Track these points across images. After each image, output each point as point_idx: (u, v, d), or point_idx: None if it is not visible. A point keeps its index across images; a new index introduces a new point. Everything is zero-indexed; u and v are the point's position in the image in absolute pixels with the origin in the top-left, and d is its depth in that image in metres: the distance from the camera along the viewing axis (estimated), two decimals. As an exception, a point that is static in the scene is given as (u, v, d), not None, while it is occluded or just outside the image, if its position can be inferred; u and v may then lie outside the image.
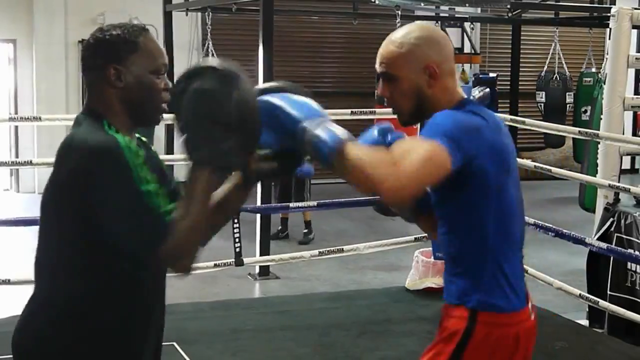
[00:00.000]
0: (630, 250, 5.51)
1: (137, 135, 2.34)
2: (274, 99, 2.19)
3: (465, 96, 2.50)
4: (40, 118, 6.17)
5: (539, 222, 5.96)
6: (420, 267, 6.77)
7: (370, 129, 2.51)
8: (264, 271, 7.47)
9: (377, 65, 2.50)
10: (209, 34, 10.01)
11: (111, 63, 2.22)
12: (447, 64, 2.45)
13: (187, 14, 10.89)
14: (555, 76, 11.52)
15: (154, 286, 2.33)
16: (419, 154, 2.20)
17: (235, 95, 2.11)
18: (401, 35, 2.46)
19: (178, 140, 2.15)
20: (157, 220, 2.09)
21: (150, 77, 2.25)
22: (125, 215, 2.09)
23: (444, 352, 2.44)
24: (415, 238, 6.94)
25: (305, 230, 9.11)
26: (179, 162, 5.74)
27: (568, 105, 11.56)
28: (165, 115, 2.33)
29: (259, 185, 7.19)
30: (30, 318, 2.27)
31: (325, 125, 2.12)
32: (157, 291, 2.36)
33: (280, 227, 9.16)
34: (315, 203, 6.96)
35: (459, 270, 2.45)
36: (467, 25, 11.87)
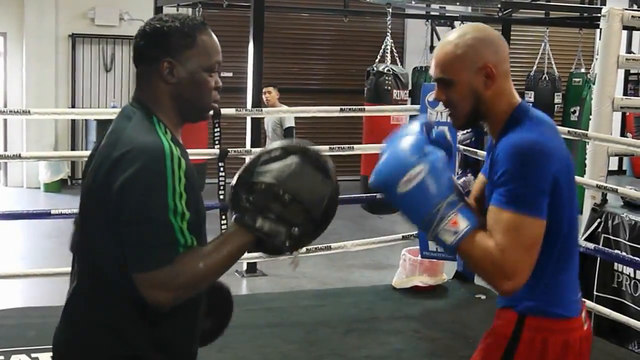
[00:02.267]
0: (617, 251, 5.53)
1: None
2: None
3: (520, 100, 2.45)
4: (29, 112, 6.12)
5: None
6: (407, 266, 6.78)
7: (411, 123, 2.45)
8: (251, 268, 7.47)
9: (432, 70, 2.43)
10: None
11: (166, 56, 2.15)
12: (504, 65, 2.40)
13: (177, 9, 10.86)
14: (544, 76, 11.54)
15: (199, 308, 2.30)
16: (524, 245, 2.23)
17: (332, 193, 2.13)
18: (456, 36, 2.40)
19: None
20: (171, 243, 2.02)
21: (203, 75, 2.18)
22: (141, 223, 2.01)
23: (494, 355, 2.44)
24: (403, 236, 6.95)
25: None
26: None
27: (556, 106, 11.58)
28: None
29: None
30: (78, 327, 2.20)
31: (444, 222, 2.23)
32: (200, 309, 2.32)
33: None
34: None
35: None
36: (457, 24, 11.86)
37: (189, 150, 2.32)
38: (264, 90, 9.06)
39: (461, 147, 6.57)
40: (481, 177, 2.63)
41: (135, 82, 2.26)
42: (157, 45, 2.16)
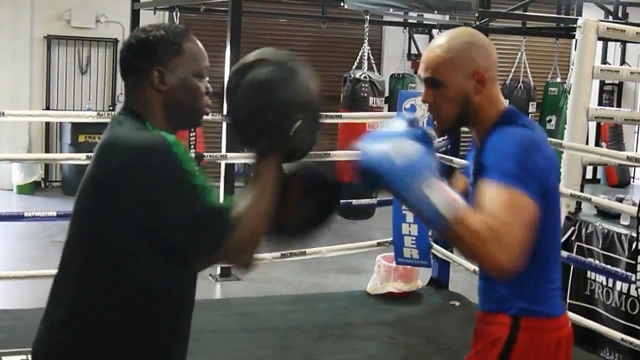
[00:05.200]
0: (590, 259, 5.56)
1: None
2: (377, 150, 2.14)
3: (508, 105, 2.47)
4: (3, 113, 6.07)
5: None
6: (381, 272, 6.79)
7: (396, 118, 2.41)
8: (226, 272, 7.44)
9: (420, 71, 2.43)
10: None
11: (155, 65, 2.16)
12: (493, 71, 2.42)
13: (155, 13, 10.82)
14: (519, 85, 11.60)
15: (188, 311, 2.31)
16: (524, 222, 2.14)
17: (295, 79, 2.13)
18: (448, 39, 2.41)
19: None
20: (219, 215, 2.04)
21: (193, 81, 2.21)
22: (185, 211, 2.02)
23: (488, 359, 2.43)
24: (378, 243, 6.96)
25: None
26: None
27: (530, 115, 11.65)
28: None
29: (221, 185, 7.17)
30: (55, 334, 2.16)
31: (431, 194, 2.08)
32: (189, 316, 2.32)
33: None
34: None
35: None
36: (435, 32, 11.91)
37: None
38: None
39: (437, 154, 6.59)
40: (462, 176, 2.64)
41: (124, 93, 2.26)
42: (145, 55, 2.17)
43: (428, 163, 2.15)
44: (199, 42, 2.26)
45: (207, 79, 2.27)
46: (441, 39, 2.43)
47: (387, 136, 2.19)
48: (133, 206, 2.04)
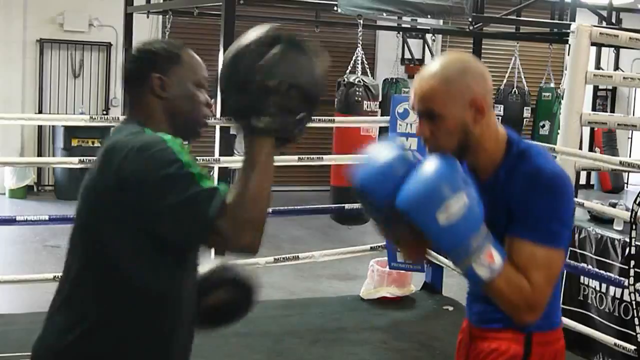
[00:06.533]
0: (583, 265, 5.55)
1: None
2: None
3: (507, 131, 2.35)
4: (-5, 116, 6.05)
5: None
6: (375, 277, 6.78)
7: (387, 144, 2.41)
8: (219, 277, 7.42)
9: (414, 103, 2.29)
10: (167, 37, 9.94)
11: (156, 73, 2.25)
12: (490, 98, 2.28)
13: (148, 16, 10.81)
14: (514, 90, 11.61)
15: (186, 310, 2.32)
16: (552, 279, 2.26)
17: (318, 68, 2.12)
18: (441, 68, 2.26)
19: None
20: (213, 192, 2.00)
21: (192, 89, 2.30)
22: (181, 194, 1.99)
23: None
24: (371, 247, 6.95)
25: None
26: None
27: (525, 120, 11.66)
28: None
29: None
30: (55, 330, 2.19)
31: (481, 254, 2.17)
32: (187, 317, 2.36)
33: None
34: (270, 210, 6.93)
35: None
36: (428, 36, 11.92)
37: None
38: None
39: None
40: None
41: (128, 106, 2.34)
42: (146, 64, 2.27)
43: (479, 217, 2.20)
44: (196, 55, 2.36)
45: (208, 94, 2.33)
46: (433, 67, 2.28)
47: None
48: (132, 202, 2.06)
